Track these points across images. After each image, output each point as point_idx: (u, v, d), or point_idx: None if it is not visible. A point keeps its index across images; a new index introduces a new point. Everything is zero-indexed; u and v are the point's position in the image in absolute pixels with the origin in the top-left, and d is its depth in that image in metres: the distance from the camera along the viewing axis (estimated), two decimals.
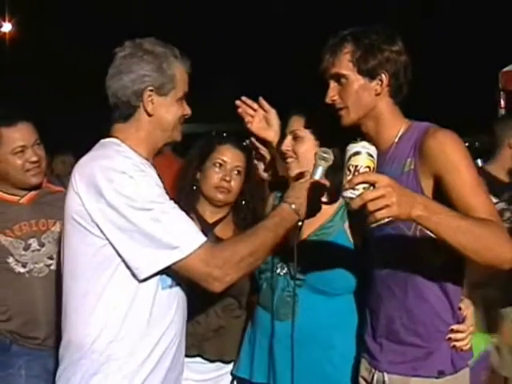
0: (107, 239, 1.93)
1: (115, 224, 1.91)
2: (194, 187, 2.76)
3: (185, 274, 1.97)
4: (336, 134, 2.21)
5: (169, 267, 1.93)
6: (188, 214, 2.03)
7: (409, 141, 2.10)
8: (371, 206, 1.68)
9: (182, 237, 1.91)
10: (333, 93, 2.18)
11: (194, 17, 16.84)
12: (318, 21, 14.75)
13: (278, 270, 2.43)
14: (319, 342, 2.33)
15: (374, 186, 1.70)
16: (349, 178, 1.77)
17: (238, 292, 2.63)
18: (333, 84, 2.19)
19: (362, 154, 1.80)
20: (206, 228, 2.62)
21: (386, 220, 1.71)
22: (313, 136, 2.39)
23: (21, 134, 2.77)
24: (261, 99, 2.58)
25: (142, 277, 1.94)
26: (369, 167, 1.80)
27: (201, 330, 2.58)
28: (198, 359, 2.62)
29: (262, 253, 2.04)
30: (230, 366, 2.66)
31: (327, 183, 2.17)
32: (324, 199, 2.37)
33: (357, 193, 1.69)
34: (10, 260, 2.75)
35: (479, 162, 7.30)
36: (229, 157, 2.73)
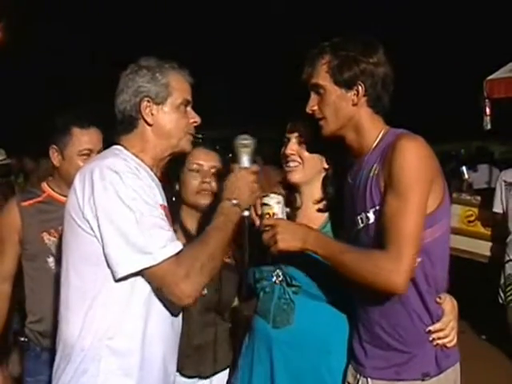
0: (95, 235, 1.96)
1: (99, 220, 1.95)
2: (174, 198, 2.72)
3: (155, 282, 1.99)
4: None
5: (142, 272, 1.95)
6: (172, 224, 2.05)
7: (381, 147, 2.15)
8: (267, 242, 2.16)
9: (157, 244, 1.94)
10: (312, 103, 2.23)
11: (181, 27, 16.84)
12: (316, 25, 14.82)
13: (274, 279, 2.43)
14: (316, 348, 2.34)
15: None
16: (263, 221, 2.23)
17: (220, 307, 2.66)
18: (313, 94, 2.24)
19: (271, 205, 2.24)
20: (191, 238, 2.60)
21: (280, 250, 2.15)
22: (315, 140, 2.37)
23: (90, 138, 2.81)
24: None
25: (118, 276, 1.96)
26: (273, 213, 2.24)
27: (182, 347, 2.57)
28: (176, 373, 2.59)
29: (219, 254, 2.06)
30: (207, 380, 2.67)
31: (257, 168, 2.21)
32: (318, 207, 2.40)
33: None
34: (51, 260, 2.76)
35: (464, 169, 7.40)
36: (204, 159, 2.72)
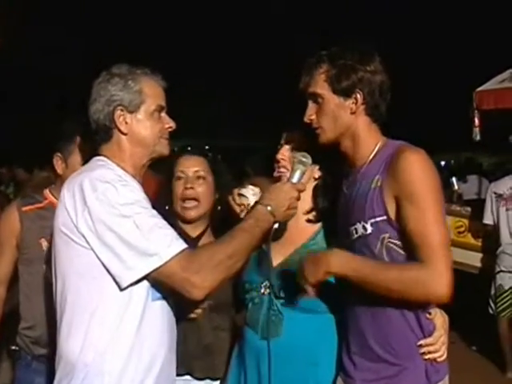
0: (92, 249, 1.94)
1: (97, 232, 1.92)
2: (167, 207, 2.70)
3: (165, 282, 1.97)
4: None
5: (149, 274, 1.94)
6: (174, 228, 2.03)
7: (381, 158, 2.14)
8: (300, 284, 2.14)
9: (161, 244, 1.92)
10: (310, 112, 2.23)
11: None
12: (316, 26, 14.85)
13: (263, 290, 2.42)
14: (303, 360, 2.32)
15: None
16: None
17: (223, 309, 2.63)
18: (310, 103, 2.23)
19: (246, 196, 2.31)
20: (191, 243, 2.60)
21: (311, 289, 2.13)
22: (309, 149, 2.35)
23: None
24: None
25: (123, 285, 1.94)
26: (248, 204, 2.31)
27: (190, 348, 2.54)
28: (188, 377, 2.59)
29: (239, 255, 2.02)
30: (217, 382, 2.64)
31: (304, 188, 2.20)
32: (308, 217, 2.39)
33: None
34: (46, 266, 2.73)
35: (454, 180, 7.43)
36: (186, 165, 2.69)
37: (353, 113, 2.18)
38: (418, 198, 2.00)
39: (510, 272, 5.75)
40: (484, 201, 6.11)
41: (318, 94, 2.19)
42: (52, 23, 15.35)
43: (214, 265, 1.95)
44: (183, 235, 2.64)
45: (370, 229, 2.09)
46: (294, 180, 2.17)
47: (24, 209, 2.85)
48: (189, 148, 2.84)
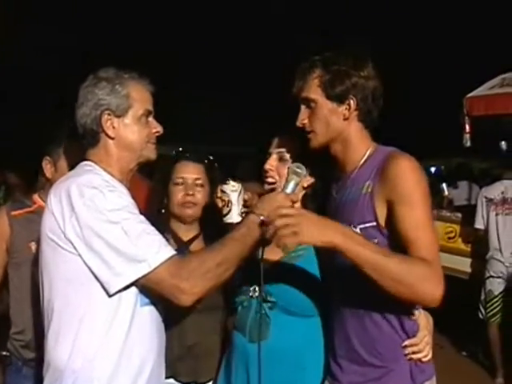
0: (79, 255, 1.93)
1: (85, 238, 1.91)
2: (163, 211, 2.74)
3: (153, 288, 1.97)
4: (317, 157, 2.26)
5: (138, 281, 1.93)
6: (162, 234, 2.03)
7: (371, 164, 2.15)
8: (280, 232, 1.86)
9: (150, 250, 1.91)
10: (303, 117, 2.23)
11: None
12: (316, 26, 14.81)
13: (251, 293, 2.42)
14: (291, 364, 2.33)
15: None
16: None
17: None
18: (303, 108, 2.24)
19: (226, 192, 2.31)
20: (182, 247, 2.63)
21: (294, 246, 1.90)
22: (298, 158, 2.35)
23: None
24: None
25: (111, 291, 1.93)
26: (228, 200, 2.31)
27: (174, 349, 2.52)
28: (171, 381, 2.56)
29: (229, 263, 2.01)
30: None
31: (297, 198, 2.21)
32: None
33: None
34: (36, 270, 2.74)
35: (444, 186, 7.46)
36: (187, 172, 2.72)
37: (346, 119, 2.19)
38: (411, 199, 2.00)
39: (499, 277, 5.77)
40: (475, 206, 6.14)
41: (311, 99, 2.20)
42: (46, 22, 15.29)
43: (203, 272, 1.94)
44: (176, 239, 2.67)
45: (359, 233, 2.08)
46: (288, 190, 2.17)
47: (13, 213, 2.87)
48: (180, 149, 2.86)
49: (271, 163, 2.42)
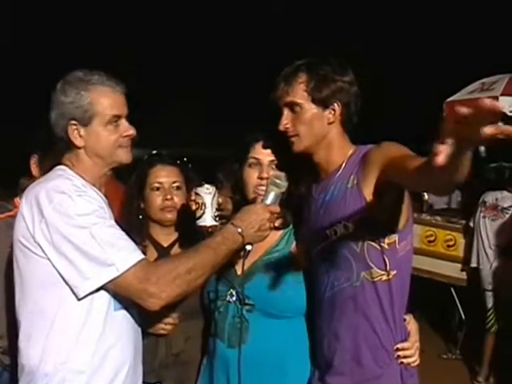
0: (48, 259, 1.92)
1: (54, 242, 1.90)
2: (141, 216, 2.71)
3: (122, 292, 1.96)
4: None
5: (107, 285, 1.92)
6: (141, 241, 2.01)
7: (354, 162, 2.16)
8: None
9: (118, 254, 1.90)
10: (286, 120, 2.23)
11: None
12: (316, 26, 14.78)
13: (228, 298, 2.40)
14: (272, 368, 2.31)
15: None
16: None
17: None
18: (286, 112, 2.23)
19: (200, 195, 2.31)
20: (162, 252, 2.62)
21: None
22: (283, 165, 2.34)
23: None
24: None
25: (80, 294, 1.92)
26: (202, 203, 2.31)
27: (160, 356, 2.51)
28: None
29: (200, 270, 1.99)
30: None
31: (277, 210, 2.18)
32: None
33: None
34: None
35: None
36: (163, 176, 2.70)
37: (330, 123, 2.20)
38: (394, 144, 2.02)
39: (489, 291, 5.81)
40: (454, 210, 6.17)
41: (297, 103, 2.20)
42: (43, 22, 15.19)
43: (172, 277, 1.92)
44: (156, 244, 2.65)
45: (351, 227, 2.09)
46: (268, 202, 2.16)
47: None
48: (154, 152, 2.85)
49: (267, 173, 2.37)
